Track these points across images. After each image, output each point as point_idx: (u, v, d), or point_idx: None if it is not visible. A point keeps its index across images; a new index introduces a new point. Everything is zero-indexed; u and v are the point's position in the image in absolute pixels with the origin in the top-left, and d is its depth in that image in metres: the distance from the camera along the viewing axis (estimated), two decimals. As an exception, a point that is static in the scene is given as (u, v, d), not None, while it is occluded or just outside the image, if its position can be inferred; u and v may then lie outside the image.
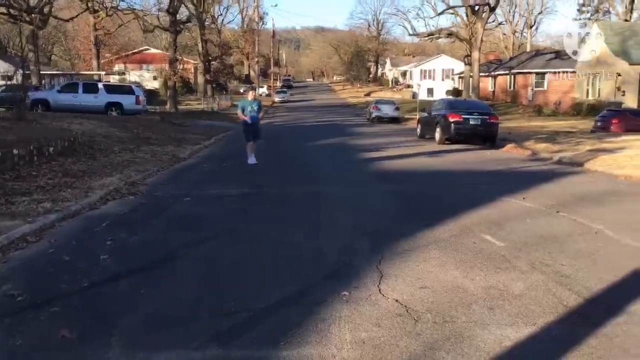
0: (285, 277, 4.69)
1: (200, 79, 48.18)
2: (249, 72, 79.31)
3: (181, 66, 48.11)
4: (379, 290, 4.33)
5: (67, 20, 37.32)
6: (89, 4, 33.85)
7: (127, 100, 24.34)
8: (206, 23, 45.80)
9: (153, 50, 60.51)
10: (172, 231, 6.38)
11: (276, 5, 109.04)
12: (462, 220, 6.88)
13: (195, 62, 55.42)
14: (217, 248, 5.65)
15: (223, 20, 63.28)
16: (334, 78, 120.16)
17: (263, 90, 64.22)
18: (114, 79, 46.68)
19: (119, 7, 35.89)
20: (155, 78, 53.52)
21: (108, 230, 6.25)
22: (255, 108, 12.67)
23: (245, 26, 70.50)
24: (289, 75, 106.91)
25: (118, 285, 4.47)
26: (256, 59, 52.30)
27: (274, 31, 73.68)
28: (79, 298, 4.16)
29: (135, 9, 36.86)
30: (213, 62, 46.84)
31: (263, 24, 72.88)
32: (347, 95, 72.46)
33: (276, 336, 3.46)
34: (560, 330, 3.65)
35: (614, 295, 4.35)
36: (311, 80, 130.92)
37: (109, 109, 23.84)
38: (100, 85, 25.45)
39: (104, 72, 45.84)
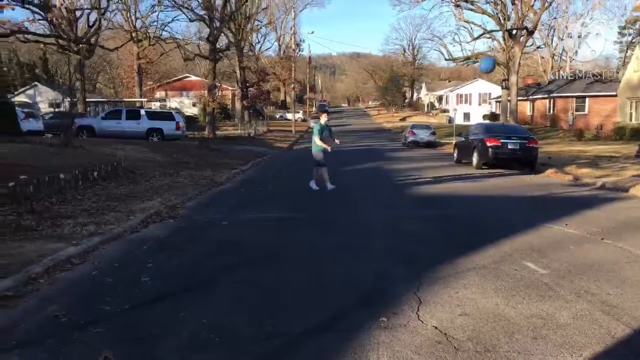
0: (323, 301, 4.68)
1: (238, 105, 49.14)
2: (285, 98, 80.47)
3: (219, 93, 49.21)
4: (418, 316, 4.27)
5: (112, 50, 38.88)
6: (134, 35, 35.15)
7: (167, 126, 25.03)
8: (244, 50, 46.92)
9: (193, 78, 62.26)
10: (211, 255, 6.47)
11: (313, 33, 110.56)
12: (502, 246, 6.74)
13: (233, 88, 56.68)
14: (255, 272, 5.69)
15: (260, 47, 64.92)
16: (369, 103, 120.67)
17: (299, 115, 64.97)
18: (155, 106, 48.10)
19: (161, 37, 37.15)
20: (194, 104, 54.89)
21: (149, 253, 6.38)
22: (328, 132, 12.23)
23: (282, 53, 71.94)
24: (325, 101, 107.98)
25: (159, 307, 4.55)
26: (292, 85, 52.97)
27: (310, 57, 74.82)
28: (121, 320, 4.25)
29: (177, 39, 38.13)
30: (250, 89, 47.78)
31: (300, 50, 74.14)
32: (382, 120, 72.56)
33: (314, 362, 3.45)
34: (608, 362, 3.51)
35: (666, 326, 4.17)
36: (346, 105, 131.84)
37: (150, 134, 24.55)
38: (142, 111, 26.27)
39: (145, 99, 47.34)
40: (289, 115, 55.39)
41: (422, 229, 8.16)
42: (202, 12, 33.14)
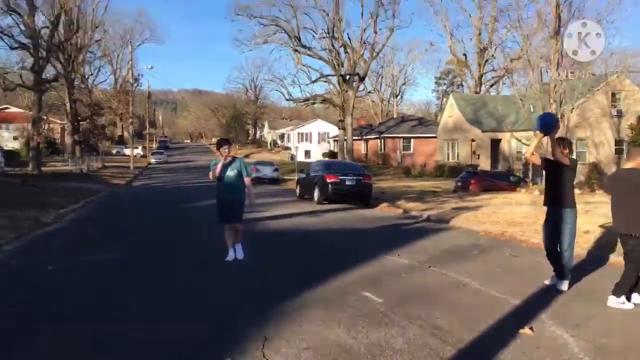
0: (161, 344, 4.40)
1: (68, 140, 45.41)
2: (123, 133, 76.45)
3: (46, 126, 45.08)
4: (263, 354, 4.22)
5: None
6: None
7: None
8: (75, 83, 43.81)
9: (14, 109, 56.14)
10: (31, 303, 5.75)
11: (152, 68, 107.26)
12: (343, 278, 7.02)
13: (63, 122, 52.36)
14: (80, 321, 5.17)
15: (94, 80, 61.11)
16: (213, 140, 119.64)
17: (138, 151, 62.00)
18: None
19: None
20: (15, 138, 49.58)
21: (-47, 309, 5.47)
22: (234, 172, 8.00)
23: (118, 87, 68.55)
24: (166, 137, 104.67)
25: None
26: (130, 120, 50.55)
27: (149, 92, 72.30)
28: None
29: (-6, 66, 34.26)
30: (82, 123, 44.55)
31: (138, 85, 71.37)
32: (225, 157, 72.14)
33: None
34: (438, 381, 3.78)
35: (485, 344, 4.65)
36: (189, 141, 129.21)
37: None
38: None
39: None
40: (127, 151, 52.55)
41: (267, 265, 8.19)
42: (25, 40, 30.33)
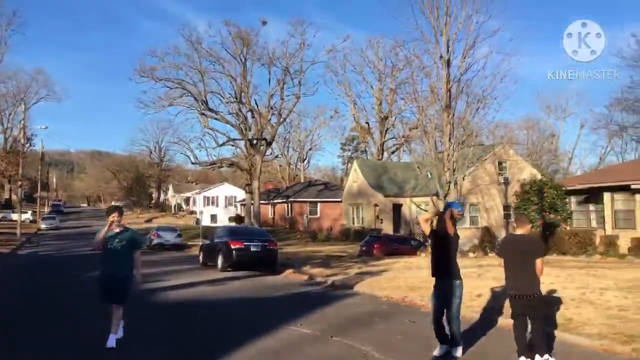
0: None
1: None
2: (11, 196, 70.90)
3: None
4: None
5: None
6: None
7: None
8: (-42, 141, 40.47)
9: None
10: None
11: (46, 127, 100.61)
12: (245, 351, 6.75)
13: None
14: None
15: (-20, 139, 56.86)
16: (112, 203, 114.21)
17: (27, 216, 57.56)
18: None
19: None
20: None
21: None
22: (123, 243, 7.01)
23: (8, 147, 64.13)
24: (59, 200, 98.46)
25: None
26: (20, 183, 47.08)
27: (42, 153, 68.24)
28: None
29: None
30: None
31: (31, 145, 67.32)
32: (126, 221, 68.84)
33: None
34: None
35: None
36: (86, 205, 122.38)
37: None
38: None
39: None
40: (15, 216, 48.59)
41: (158, 343, 7.69)
42: None
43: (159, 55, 42.08)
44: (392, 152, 61.47)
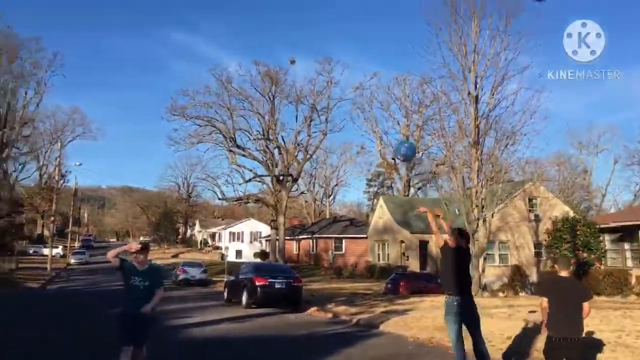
0: None
1: (-20, 238, 42.28)
2: (43, 232, 72.49)
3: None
4: None
5: None
6: None
7: None
8: (-5, 178, 41.80)
9: None
10: None
11: (80, 165, 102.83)
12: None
13: (-23, 218, 49.01)
14: None
15: (18, 175, 58.62)
16: (141, 238, 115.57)
17: (57, 251, 58.55)
18: None
19: None
20: None
21: None
22: (146, 284, 6.71)
23: (43, 183, 65.91)
24: (90, 235, 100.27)
25: None
26: (53, 218, 48.16)
27: (75, 189, 69.85)
28: None
29: None
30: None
31: (65, 182, 69.04)
32: (153, 256, 69.56)
33: None
34: None
35: None
36: (115, 240, 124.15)
37: None
38: None
39: None
40: (46, 251, 49.49)
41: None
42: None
43: (190, 94, 43.33)
44: (419, 189, 61.08)
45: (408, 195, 55.11)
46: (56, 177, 50.42)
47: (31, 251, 59.79)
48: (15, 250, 48.81)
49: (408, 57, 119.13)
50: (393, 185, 64.15)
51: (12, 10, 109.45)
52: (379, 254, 43.70)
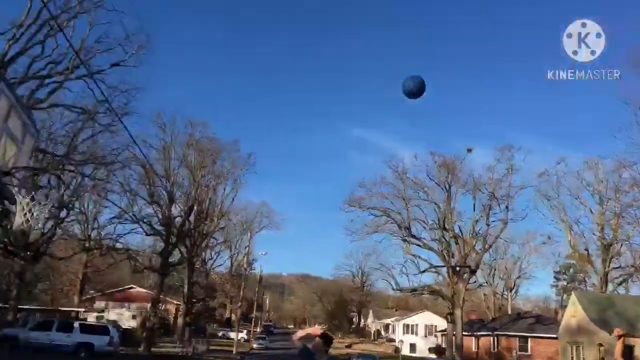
0: None
1: (180, 321, 47.26)
2: (230, 316, 78.32)
3: (163, 306, 47.60)
4: None
5: (60, 259, 36.66)
6: (86, 244, 35.02)
7: (99, 341, 23.56)
8: (196, 266, 46.95)
9: (138, 289, 60.47)
10: None
11: (266, 254, 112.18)
12: None
13: (178, 303, 55.11)
14: None
15: (213, 263, 65.19)
16: (316, 326, 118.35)
17: (242, 335, 62.52)
18: (92, 317, 45.68)
19: (114, 247, 37.10)
20: (134, 317, 52.54)
21: None
22: None
23: (233, 270, 72.17)
24: (271, 321, 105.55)
25: None
26: (240, 303, 52.16)
27: (261, 277, 75.13)
28: None
29: (129, 249, 38.08)
30: (196, 304, 46.64)
31: (252, 269, 74.78)
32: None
33: None
34: None
35: None
36: (293, 327, 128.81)
37: (80, 349, 22.91)
38: (76, 324, 24.85)
39: (83, 309, 45.04)
40: (232, 335, 53.27)
41: None
42: (160, 228, 33.98)
43: (367, 185, 45.18)
44: (619, 284, 53.69)
45: (605, 291, 48.81)
46: (244, 265, 54.92)
47: (220, 334, 64.71)
48: (207, 333, 53.40)
49: (599, 139, 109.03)
50: (586, 279, 57.59)
51: (215, 118, 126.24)
52: (572, 358, 38.72)
